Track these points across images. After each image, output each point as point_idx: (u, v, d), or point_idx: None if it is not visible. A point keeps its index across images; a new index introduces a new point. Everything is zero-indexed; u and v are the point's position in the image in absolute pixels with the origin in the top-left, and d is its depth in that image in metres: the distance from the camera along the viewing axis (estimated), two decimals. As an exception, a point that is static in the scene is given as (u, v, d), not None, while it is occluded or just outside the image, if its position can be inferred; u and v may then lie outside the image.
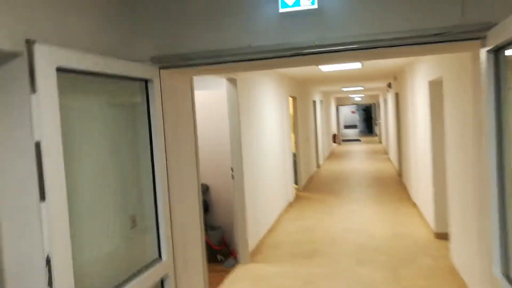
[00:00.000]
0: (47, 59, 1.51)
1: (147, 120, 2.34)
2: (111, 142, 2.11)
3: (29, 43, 1.47)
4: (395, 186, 8.81)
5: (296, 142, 8.60)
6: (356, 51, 2.14)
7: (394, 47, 2.08)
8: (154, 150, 2.35)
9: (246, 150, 4.75)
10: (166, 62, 2.39)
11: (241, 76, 4.65)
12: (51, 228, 1.51)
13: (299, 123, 8.81)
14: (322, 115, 14.08)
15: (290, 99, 8.68)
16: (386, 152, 15.36)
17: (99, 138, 2.01)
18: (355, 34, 2.08)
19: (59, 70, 1.58)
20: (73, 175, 1.77)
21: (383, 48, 2.12)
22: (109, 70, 1.89)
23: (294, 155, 8.50)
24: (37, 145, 1.49)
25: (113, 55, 2.17)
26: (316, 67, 6.40)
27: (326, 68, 6.29)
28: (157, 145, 2.35)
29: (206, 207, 4.84)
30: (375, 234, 5.48)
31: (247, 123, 4.87)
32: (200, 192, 3.14)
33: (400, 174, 9.66)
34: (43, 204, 1.50)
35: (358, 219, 6.28)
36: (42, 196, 1.49)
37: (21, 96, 1.51)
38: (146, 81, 2.32)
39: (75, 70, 1.69)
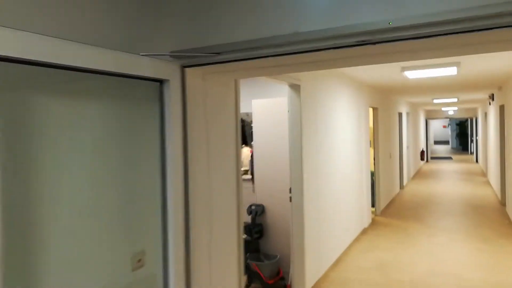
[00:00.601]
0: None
1: (159, 131, 1.82)
2: (107, 158, 1.62)
3: None
4: (496, 217, 7.34)
5: (375, 159, 7.62)
6: (457, 35, 1.38)
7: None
8: (168, 168, 1.82)
9: (309, 168, 4.06)
10: (189, 58, 1.86)
11: (306, 82, 3.99)
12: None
13: (380, 137, 7.82)
14: (409, 129, 12.70)
15: (370, 110, 7.75)
16: (484, 174, 13.36)
17: (88, 153, 1.53)
18: (454, 8, 1.33)
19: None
20: (51, 198, 1.29)
21: (499, 30, 1.33)
22: (85, 64, 1.39)
23: (372, 174, 7.53)
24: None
25: (123, 49, 1.69)
26: (401, 73, 5.48)
27: (412, 74, 5.34)
28: (172, 163, 1.81)
29: (261, 231, 4.24)
30: (471, 282, 4.38)
31: (312, 137, 4.17)
32: (242, 225, 2.54)
33: (503, 202, 8.10)
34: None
35: (447, 257, 5.17)
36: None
37: None
38: (161, 82, 1.80)
39: (29, 62, 1.21)
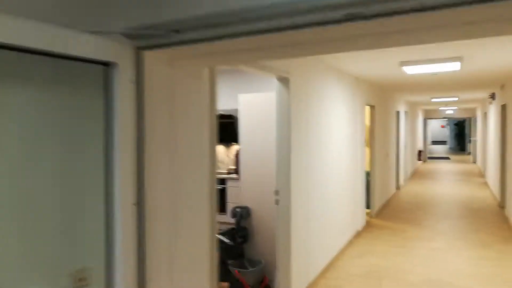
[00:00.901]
0: None
1: (104, 126, 1.50)
2: (36, 157, 1.30)
3: None
4: (495, 220, 7.07)
5: (371, 159, 7.32)
6: (474, 5, 1.07)
7: None
8: (116, 171, 1.50)
9: (298, 168, 3.74)
10: (145, 38, 1.54)
11: (296, 75, 3.67)
12: None
13: (377, 136, 7.51)
14: (407, 128, 12.41)
15: (367, 108, 7.44)
16: (482, 175, 13.11)
17: (10, 152, 1.21)
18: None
19: None
20: None
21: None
22: (8, 39, 1.07)
23: (368, 174, 7.23)
24: None
25: (61, 24, 1.37)
26: (400, 68, 5.17)
27: (412, 70, 5.03)
28: (119, 165, 1.49)
29: (245, 235, 3.93)
30: (469, 291, 4.09)
31: (302, 135, 3.86)
32: (215, 232, 2.23)
33: (502, 205, 7.83)
34: None
35: (444, 264, 4.88)
36: None
37: None
38: (108, 66, 1.48)
39: None
